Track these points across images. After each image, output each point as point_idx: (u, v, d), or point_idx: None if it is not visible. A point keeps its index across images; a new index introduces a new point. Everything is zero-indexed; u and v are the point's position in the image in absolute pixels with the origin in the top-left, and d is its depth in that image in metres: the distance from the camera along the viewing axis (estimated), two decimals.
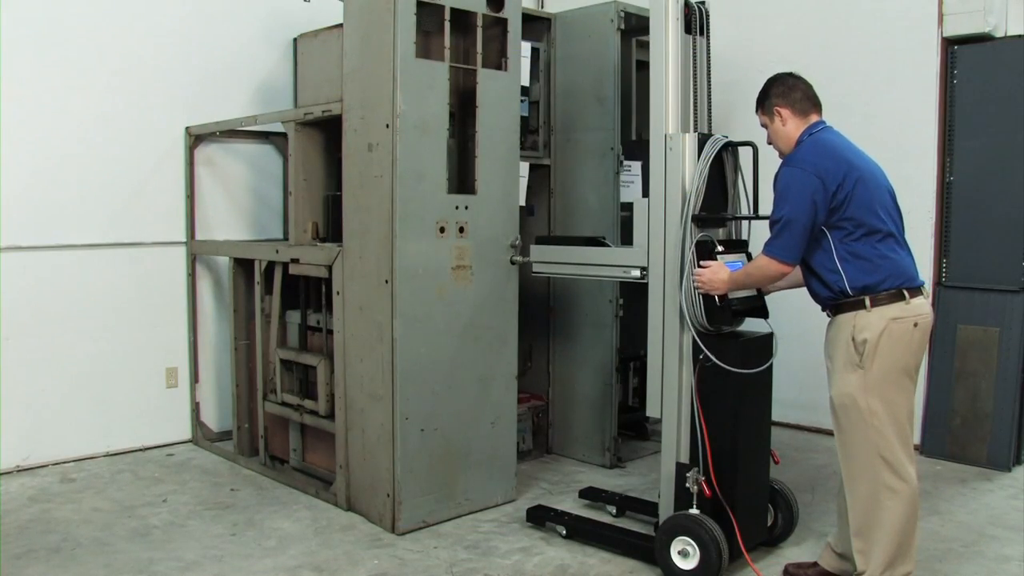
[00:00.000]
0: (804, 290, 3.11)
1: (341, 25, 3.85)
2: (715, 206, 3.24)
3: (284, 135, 4.45)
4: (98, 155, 4.63)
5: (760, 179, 3.26)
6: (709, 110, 3.36)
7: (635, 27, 4.58)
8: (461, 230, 3.76)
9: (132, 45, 4.70)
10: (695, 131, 3.28)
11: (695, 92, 3.31)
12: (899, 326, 2.87)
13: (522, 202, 4.22)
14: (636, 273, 3.36)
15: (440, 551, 3.48)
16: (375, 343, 3.70)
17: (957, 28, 4.60)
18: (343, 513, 3.88)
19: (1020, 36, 4.57)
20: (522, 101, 4.17)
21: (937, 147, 4.73)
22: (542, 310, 4.80)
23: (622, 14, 4.44)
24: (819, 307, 3.08)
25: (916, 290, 2.94)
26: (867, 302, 2.87)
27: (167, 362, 4.96)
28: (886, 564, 2.88)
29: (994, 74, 4.55)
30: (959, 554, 3.47)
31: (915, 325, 2.90)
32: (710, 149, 3.17)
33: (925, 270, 4.30)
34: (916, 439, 4.72)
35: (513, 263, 3.93)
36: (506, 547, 3.53)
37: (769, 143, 3.18)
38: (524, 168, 4.31)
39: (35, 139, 4.43)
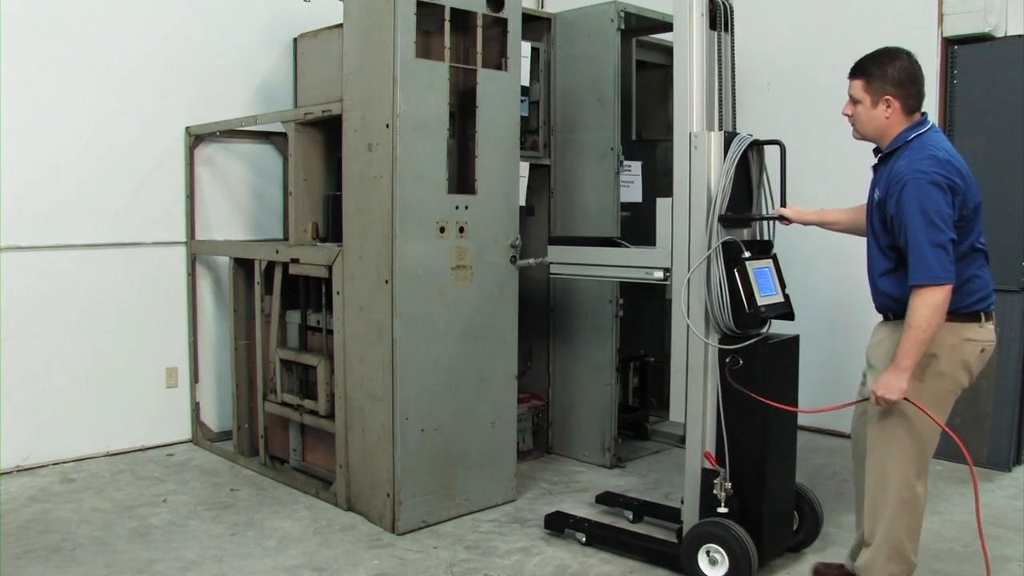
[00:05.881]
0: (805, 293, 3.06)
1: (341, 25, 3.85)
2: (740, 206, 3.16)
3: (284, 135, 4.44)
4: (98, 155, 4.63)
5: (788, 179, 3.16)
6: (733, 108, 3.28)
7: (635, 27, 4.58)
8: (461, 230, 3.76)
9: (132, 45, 4.71)
10: (720, 129, 3.20)
11: (720, 89, 3.22)
12: (971, 347, 2.81)
13: (522, 202, 4.22)
14: (659, 274, 3.30)
15: (440, 551, 3.48)
16: (375, 343, 3.70)
17: (957, 28, 4.60)
18: (343, 513, 3.88)
19: (1020, 36, 4.56)
20: (522, 101, 4.17)
21: None
22: (542, 310, 4.80)
23: (622, 14, 4.44)
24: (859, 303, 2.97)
25: (990, 313, 2.84)
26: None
27: (167, 362, 4.96)
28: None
29: (994, 74, 4.55)
30: (959, 554, 3.47)
31: (982, 351, 2.84)
32: (737, 148, 3.09)
33: None
34: None
35: (515, 264, 3.93)
36: (506, 547, 3.53)
37: (846, 115, 2.94)
38: (524, 168, 4.31)
39: (35, 139, 4.43)
